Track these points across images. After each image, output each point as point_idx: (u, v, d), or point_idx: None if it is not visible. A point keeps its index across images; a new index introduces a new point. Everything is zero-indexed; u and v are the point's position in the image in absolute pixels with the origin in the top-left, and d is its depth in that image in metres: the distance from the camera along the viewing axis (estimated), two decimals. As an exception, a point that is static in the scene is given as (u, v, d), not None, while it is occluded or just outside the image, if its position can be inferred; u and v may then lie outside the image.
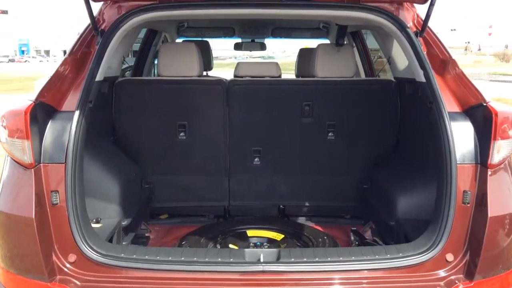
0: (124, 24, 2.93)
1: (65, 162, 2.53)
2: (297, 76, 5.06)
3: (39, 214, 2.46)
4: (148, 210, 3.94)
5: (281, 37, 6.12)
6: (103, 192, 3.12)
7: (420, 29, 2.99)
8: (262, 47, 6.51)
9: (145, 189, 3.80)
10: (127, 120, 3.72)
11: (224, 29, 5.80)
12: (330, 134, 3.77)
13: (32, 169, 2.48)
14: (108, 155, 3.33)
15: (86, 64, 2.84)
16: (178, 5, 3.00)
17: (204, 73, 5.40)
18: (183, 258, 2.52)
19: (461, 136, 2.63)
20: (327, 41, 5.90)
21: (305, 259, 2.53)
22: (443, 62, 2.90)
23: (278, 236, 3.50)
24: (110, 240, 3.01)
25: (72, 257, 2.53)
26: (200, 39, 5.72)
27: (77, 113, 2.61)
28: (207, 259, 2.52)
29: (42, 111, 2.56)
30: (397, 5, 3.14)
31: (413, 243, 2.67)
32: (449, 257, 2.57)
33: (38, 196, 2.48)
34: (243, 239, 3.46)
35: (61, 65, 2.78)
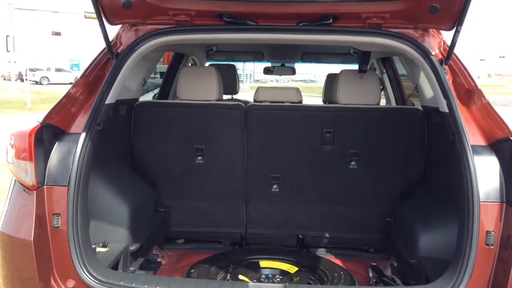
0: (139, 48, 2.91)
1: (68, 185, 2.49)
2: (324, 101, 4.94)
3: (39, 237, 2.42)
4: (163, 234, 3.87)
5: (310, 61, 6.03)
6: (111, 215, 3.07)
7: (445, 56, 2.84)
8: (292, 71, 6.43)
9: (159, 213, 3.74)
10: (144, 143, 3.69)
11: (253, 53, 5.76)
12: (352, 163, 3.61)
13: (35, 191, 2.45)
14: (120, 178, 3.29)
15: (98, 87, 2.82)
16: (194, 29, 2.96)
17: (229, 96, 5.36)
18: None
19: (486, 172, 2.44)
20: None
21: None
22: (469, 92, 2.73)
23: (292, 269, 3.34)
24: (116, 265, 2.95)
25: (71, 283, 2.48)
26: (228, 63, 5.69)
27: (83, 135, 2.58)
28: None
29: (49, 133, 2.55)
30: (422, 31, 3.00)
31: (431, 285, 2.47)
32: None
33: (40, 219, 2.45)
34: (255, 270, 3.32)
35: (72, 88, 2.77)
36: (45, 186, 2.50)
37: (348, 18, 2.92)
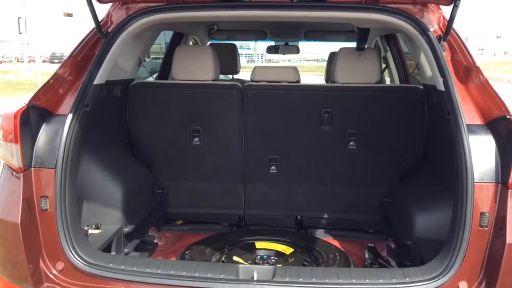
0: (129, 26, 2.86)
1: (55, 167, 2.47)
2: (326, 81, 4.84)
3: (27, 219, 2.40)
4: (160, 216, 3.86)
5: (314, 40, 5.91)
6: (104, 197, 3.05)
7: (444, 32, 2.74)
8: (296, 50, 6.32)
9: (156, 195, 3.72)
10: (140, 124, 3.65)
11: (255, 32, 5.66)
12: (351, 143, 3.54)
13: (22, 174, 2.43)
14: (113, 160, 3.26)
15: (87, 67, 2.77)
16: (185, 7, 2.89)
17: (231, 76, 5.28)
18: (172, 272, 2.40)
19: (481, 152, 2.36)
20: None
21: (301, 279, 2.34)
22: (467, 69, 2.63)
23: (288, 250, 3.32)
24: (109, 247, 2.94)
25: (60, 265, 2.47)
26: (228, 42, 5.60)
27: (70, 116, 2.55)
28: (196, 274, 2.39)
29: (36, 115, 2.52)
30: (420, 7, 2.89)
31: (423, 267, 2.42)
32: (462, 285, 2.30)
33: (28, 201, 2.43)
34: (250, 251, 3.30)
35: (60, 68, 2.73)
36: (32, 169, 2.48)
37: None
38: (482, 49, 67.88)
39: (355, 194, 3.74)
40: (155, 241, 3.59)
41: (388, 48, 4.98)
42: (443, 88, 2.58)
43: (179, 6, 2.88)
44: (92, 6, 2.71)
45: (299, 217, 3.87)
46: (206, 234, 3.71)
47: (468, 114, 2.46)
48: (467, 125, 2.39)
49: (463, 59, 2.68)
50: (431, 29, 2.79)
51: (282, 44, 6.17)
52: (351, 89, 3.43)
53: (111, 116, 3.44)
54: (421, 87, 3.46)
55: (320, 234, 3.84)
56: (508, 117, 2.30)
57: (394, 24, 2.79)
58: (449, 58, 2.74)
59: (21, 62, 40.11)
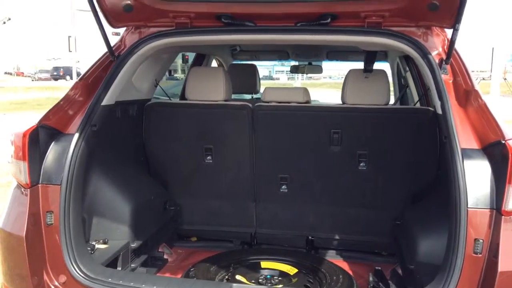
0: (139, 50, 2.99)
1: (61, 183, 2.60)
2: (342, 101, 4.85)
3: (32, 233, 2.54)
4: (173, 232, 3.95)
5: (337, 60, 5.94)
6: (113, 213, 3.17)
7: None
8: (319, 70, 6.35)
9: (169, 211, 3.81)
10: (155, 142, 3.77)
11: (278, 52, 5.75)
12: (361, 164, 3.53)
13: (29, 190, 2.58)
14: (125, 177, 3.38)
15: (97, 88, 2.92)
16: (193, 31, 3.00)
17: (249, 96, 5.37)
18: None
19: (476, 177, 2.33)
20: (386, 64, 5.63)
21: None
22: (466, 93, 2.61)
23: (292, 270, 3.33)
24: (116, 261, 3.04)
25: (63, 278, 2.58)
26: (249, 62, 5.70)
27: (76, 135, 2.68)
28: None
29: (45, 134, 2.67)
30: (424, 29, 2.90)
31: None
32: None
33: (34, 216, 2.57)
34: (255, 271, 3.33)
35: (71, 90, 2.88)
36: (39, 185, 2.62)
37: (347, 17, 2.87)
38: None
39: (367, 216, 3.70)
40: (165, 257, 3.68)
41: (407, 68, 4.94)
42: (440, 112, 2.56)
43: (187, 30, 2.99)
44: (103, 30, 2.87)
45: (310, 237, 3.86)
46: (217, 251, 3.76)
47: (465, 138, 2.43)
48: (463, 149, 2.37)
49: (463, 83, 2.66)
50: (435, 52, 2.79)
51: (305, 64, 6.22)
52: (359, 110, 3.44)
53: (126, 134, 3.57)
54: (431, 109, 3.42)
55: (331, 255, 3.82)
56: (503, 142, 2.26)
57: (397, 47, 2.81)
58: (450, 81, 2.73)
59: (71, 79, 41.75)
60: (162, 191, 3.79)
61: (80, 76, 2.99)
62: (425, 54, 2.70)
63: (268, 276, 3.24)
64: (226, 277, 3.23)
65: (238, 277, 3.18)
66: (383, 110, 3.44)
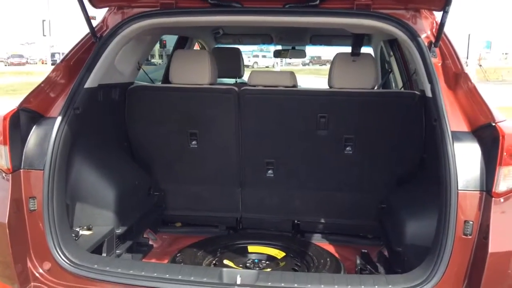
0: (122, 31, 2.90)
1: (43, 168, 2.52)
2: (328, 86, 4.82)
3: (14, 219, 2.46)
4: (157, 218, 3.90)
5: (320, 44, 5.91)
6: (97, 199, 3.10)
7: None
8: (302, 54, 6.31)
9: (153, 197, 3.76)
10: (138, 127, 3.69)
11: (261, 36, 5.68)
12: (347, 148, 3.52)
13: (10, 175, 2.49)
14: (108, 162, 3.30)
15: (79, 70, 2.82)
16: (178, 12, 2.92)
17: (233, 80, 5.31)
18: (155, 275, 2.43)
19: (466, 159, 2.33)
20: (369, 49, 5.61)
21: (283, 284, 2.35)
22: (456, 76, 2.60)
23: (280, 254, 3.32)
24: (100, 247, 2.98)
25: (47, 265, 2.52)
26: (232, 46, 5.62)
27: (59, 119, 2.60)
28: (179, 277, 2.41)
29: (26, 117, 2.57)
30: (413, 12, 2.88)
31: (406, 275, 2.40)
32: None
33: (16, 202, 2.49)
34: (242, 255, 3.31)
35: (52, 71, 2.79)
36: (21, 170, 2.53)
37: None
38: (506, 54, 66.51)
39: (352, 200, 3.71)
40: (150, 242, 3.63)
41: (391, 53, 4.94)
42: (430, 94, 2.56)
43: (172, 11, 2.91)
44: (85, 10, 2.77)
45: (296, 221, 3.87)
46: (202, 236, 3.73)
47: (455, 121, 2.43)
48: (453, 132, 2.37)
49: (452, 66, 2.65)
50: (423, 35, 2.78)
51: (289, 48, 6.17)
52: (346, 94, 3.41)
53: (108, 118, 3.48)
54: (418, 92, 3.43)
55: (317, 239, 3.83)
56: (493, 124, 2.27)
57: (386, 30, 2.78)
58: (439, 64, 2.72)
59: (45, 64, 40.89)
60: (146, 177, 3.72)
61: (62, 58, 2.89)
62: (414, 36, 2.68)
63: (256, 260, 3.22)
64: (214, 262, 3.20)
65: (225, 261, 3.15)
66: (370, 94, 3.43)
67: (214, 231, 3.95)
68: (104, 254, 3.00)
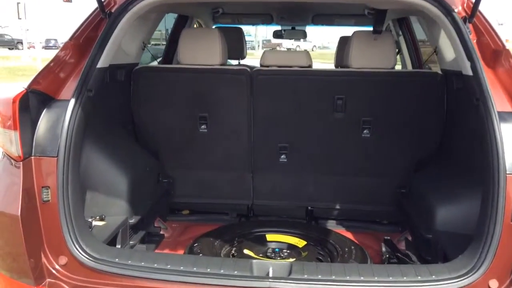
0: (133, 7, 2.69)
1: (57, 155, 2.32)
2: (336, 66, 4.67)
3: (27, 211, 2.26)
4: (166, 206, 3.73)
5: (323, 24, 5.71)
6: (109, 187, 2.91)
7: (469, 14, 2.56)
8: (303, 35, 6.12)
9: (162, 184, 3.58)
10: (145, 110, 3.50)
11: (261, 15, 5.46)
12: (365, 131, 3.39)
13: (21, 163, 2.28)
14: (118, 148, 3.11)
15: (90, 49, 2.61)
16: None
17: (236, 62, 5.11)
18: (182, 268, 2.26)
19: None
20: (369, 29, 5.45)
21: (319, 277, 2.20)
22: (495, 53, 2.46)
23: (300, 243, 3.18)
24: (114, 239, 2.80)
25: (63, 259, 2.32)
26: (234, 25, 5.41)
27: (72, 102, 2.39)
28: (208, 270, 2.25)
29: (35, 100, 2.36)
30: None
31: (449, 264, 2.27)
32: (493, 283, 2.15)
33: (28, 192, 2.28)
34: (261, 244, 3.16)
35: (61, 50, 2.56)
36: (32, 157, 2.32)
37: None
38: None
39: (369, 184, 3.60)
40: (161, 232, 3.46)
41: (400, 33, 4.80)
42: (470, 73, 2.42)
43: None
44: None
45: (309, 207, 3.75)
46: (213, 224, 3.59)
47: (498, 101, 2.30)
48: (497, 112, 2.24)
49: (491, 42, 2.51)
50: (456, 10, 2.63)
51: (288, 29, 5.98)
52: (366, 75, 3.27)
53: (114, 102, 3.29)
54: (440, 72, 3.30)
55: (331, 225, 3.72)
56: None
57: (416, 4, 2.62)
58: (474, 41, 2.57)
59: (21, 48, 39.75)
60: (155, 163, 3.54)
61: (71, 35, 2.66)
62: (449, 11, 2.53)
63: (277, 250, 3.08)
64: (232, 251, 3.05)
65: (246, 251, 3.00)
66: (391, 74, 3.29)
67: (225, 218, 3.81)
68: (118, 246, 2.82)
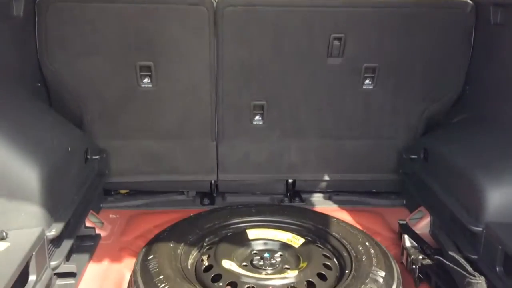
0: None
1: None
2: None
3: None
4: (100, 193, 2.81)
5: None
6: (11, 185, 1.89)
7: None
8: None
9: (92, 163, 2.64)
10: (59, 59, 2.57)
11: None
12: (367, 81, 2.75)
13: None
14: (21, 121, 2.09)
15: None
16: None
17: None
18: None
19: None
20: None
21: None
22: None
23: (295, 239, 2.34)
24: (27, 268, 1.81)
25: None
26: None
27: None
28: None
29: None
30: None
31: None
32: None
33: None
34: (242, 245, 2.29)
35: None
36: None
37: None
38: None
39: (367, 148, 2.99)
40: (96, 232, 2.49)
41: None
42: None
43: None
44: None
45: (290, 180, 3.02)
46: (165, 211, 2.82)
47: None
48: None
49: None
50: None
51: None
52: (372, 5, 2.54)
53: (9, 47, 2.27)
54: (470, 1, 2.54)
55: (317, 200, 3.04)
56: None
57: None
58: None
59: None
60: (79, 135, 2.57)
61: None
62: None
63: (267, 255, 2.19)
64: (204, 262, 2.15)
65: (225, 263, 2.10)
66: (405, 4, 2.57)
67: (179, 199, 3.03)
68: (33, 277, 1.83)
